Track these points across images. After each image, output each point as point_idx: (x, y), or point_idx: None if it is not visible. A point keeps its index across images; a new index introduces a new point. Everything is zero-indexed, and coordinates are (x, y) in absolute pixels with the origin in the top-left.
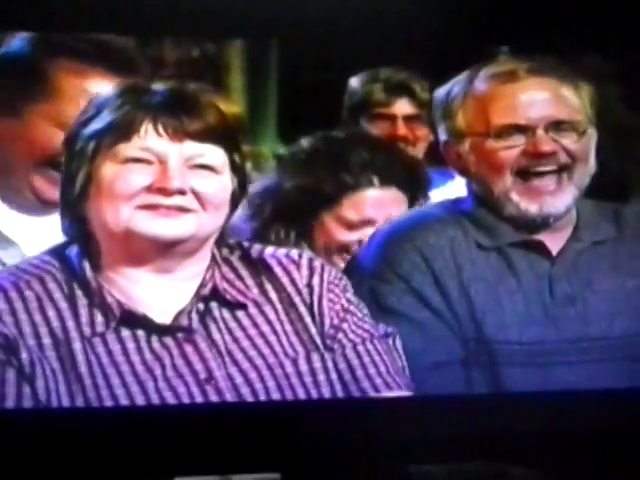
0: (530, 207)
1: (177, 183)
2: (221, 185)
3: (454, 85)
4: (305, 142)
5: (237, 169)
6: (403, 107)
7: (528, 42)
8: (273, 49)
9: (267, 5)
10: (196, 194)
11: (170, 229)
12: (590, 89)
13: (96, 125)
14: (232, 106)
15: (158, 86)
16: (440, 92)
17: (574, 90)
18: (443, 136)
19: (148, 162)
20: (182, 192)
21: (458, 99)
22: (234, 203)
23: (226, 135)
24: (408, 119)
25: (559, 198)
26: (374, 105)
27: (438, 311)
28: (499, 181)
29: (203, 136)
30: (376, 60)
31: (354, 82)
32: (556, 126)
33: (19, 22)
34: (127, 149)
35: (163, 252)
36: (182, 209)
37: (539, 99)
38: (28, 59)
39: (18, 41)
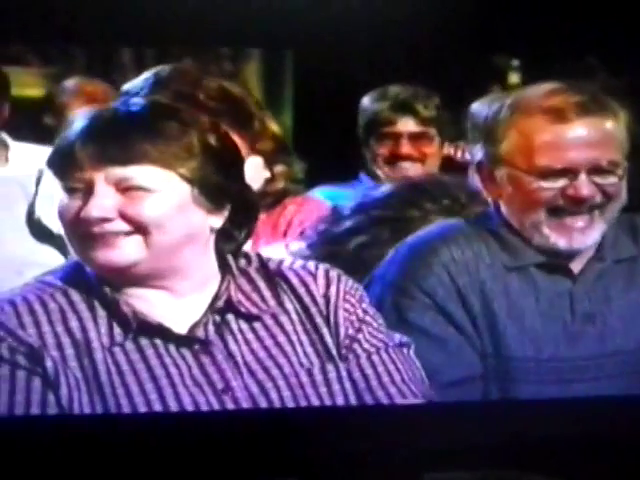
0: (559, 242)
1: (95, 212)
2: (158, 204)
3: (500, 108)
4: (383, 207)
5: (191, 180)
6: (408, 125)
7: (536, 54)
8: (288, 67)
9: (283, 18)
10: (129, 217)
11: (111, 257)
12: (626, 115)
13: (51, 152)
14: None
15: (105, 111)
16: (483, 109)
17: (614, 121)
18: (479, 155)
19: (78, 191)
20: (106, 220)
21: (503, 126)
22: (207, 210)
23: (157, 153)
24: (413, 137)
25: (588, 235)
26: (381, 124)
27: (461, 327)
28: (532, 214)
29: (127, 159)
30: (391, 74)
31: (365, 101)
32: (598, 170)
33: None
34: (63, 179)
35: (136, 276)
36: (121, 234)
37: (584, 142)
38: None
39: (142, 84)
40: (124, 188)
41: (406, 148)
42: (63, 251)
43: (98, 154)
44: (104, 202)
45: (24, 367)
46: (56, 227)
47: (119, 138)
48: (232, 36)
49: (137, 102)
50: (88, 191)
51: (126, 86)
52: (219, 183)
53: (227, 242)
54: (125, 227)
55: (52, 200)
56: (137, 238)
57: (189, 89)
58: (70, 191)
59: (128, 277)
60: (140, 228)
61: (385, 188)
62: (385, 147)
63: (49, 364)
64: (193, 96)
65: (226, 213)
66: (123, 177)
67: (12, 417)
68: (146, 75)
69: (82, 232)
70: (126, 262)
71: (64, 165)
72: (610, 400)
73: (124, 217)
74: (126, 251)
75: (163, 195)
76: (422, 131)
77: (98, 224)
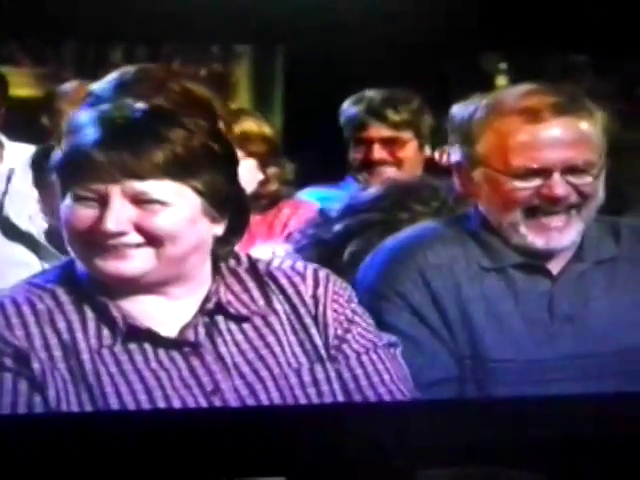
0: (536, 241)
1: (113, 227)
2: (173, 217)
3: (477, 109)
4: (372, 210)
5: (202, 193)
6: (379, 131)
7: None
8: (279, 67)
9: (274, 14)
10: (144, 230)
11: (124, 269)
12: (603, 115)
13: (61, 156)
14: (201, 130)
15: (116, 114)
16: (460, 110)
17: (590, 122)
18: (457, 156)
19: (90, 200)
20: (122, 234)
21: (479, 127)
22: (212, 219)
23: (174, 167)
24: (385, 142)
25: (565, 234)
26: (356, 129)
27: (435, 329)
28: (509, 214)
29: (144, 173)
30: (382, 74)
31: (344, 105)
32: (573, 169)
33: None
34: (73, 187)
35: (141, 285)
36: (132, 246)
37: (559, 142)
38: None
39: (106, 85)
40: (140, 201)
41: (378, 153)
42: (34, 248)
43: (116, 167)
44: (121, 216)
45: (10, 369)
46: (24, 225)
47: (134, 149)
48: (223, 33)
49: (141, 107)
50: (102, 202)
51: (92, 86)
52: (226, 193)
53: (223, 247)
54: (138, 239)
55: (21, 198)
56: (148, 250)
57: (151, 92)
58: (79, 199)
59: (133, 286)
60: (153, 240)
61: (373, 190)
62: (359, 152)
63: (36, 366)
64: (155, 99)
65: (226, 220)
66: (141, 191)
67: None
68: (112, 76)
69: (93, 242)
70: (136, 273)
71: (78, 174)
72: (592, 398)
73: (139, 230)
74: (137, 262)
75: (177, 208)
76: (393, 136)
77: (113, 237)
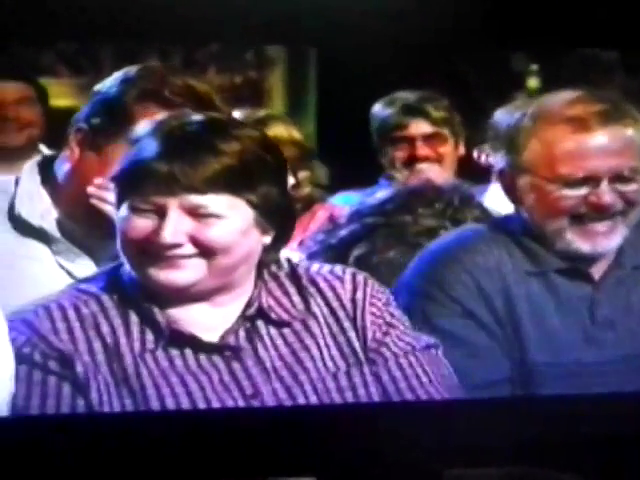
0: (582, 247)
1: (169, 238)
2: (228, 230)
3: (522, 117)
4: (377, 214)
5: (256, 206)
6: (420, 127)
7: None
8: (312, 73)
9: (305, 17)
10: (199, 242)
11: (176, 279)
12: None
13: (121, 167)
14: (253, 142)
15: (172, 133)
16: (505, 118)
17: (635, 128)
18: (501, 163)
19: (147, 212)
20: (177, 245)
21: (525, 135)
22: (263, 230)
23: (232, 181)
24: (428, 138)
25: (612, 239)
26: (393, 129)
27: (491, 332)
28: (555, 221)
29: (203, 188)
30: (415, 77)
31: (375, 108)
32: (620, 177)
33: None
34: (131, 198)
35: (190, 294)
36: (186, 256)
37: (606, 151)
38: (119, 101)
39: (112, 82)
40: (196, 214)
41: (422, 150)
42: (47, 243)
43: (175, 180)
44: (177, 228)
45: (55, 372)
46: (36, 220)
47: (193, 163)
48: (255, 36)
49: (197, 119)
50: (160, 214)
51: (97, 86)
52: (278, 204)
53: (269, 254)
54: (193, 251)
55: (31, 197)
56: (201, 260)
57: (155, 86)
58: (137, 210)
59: (183, 295)
60: (207, 252)
61: (381, 194)
62: (401, 151)
63: (80, 369)
64: (159, 92)
65: (275, 229)
66: (198, 204)
67: (45, 415)
68: (115, 75)
69: (148, 252)
70: (188, 282)
71: (138, 185)
72: (636, 397)
73: (193, 242)
74: (189, 272)
75: (231, 221)
76: (435, 132)
77: (169, 249)
